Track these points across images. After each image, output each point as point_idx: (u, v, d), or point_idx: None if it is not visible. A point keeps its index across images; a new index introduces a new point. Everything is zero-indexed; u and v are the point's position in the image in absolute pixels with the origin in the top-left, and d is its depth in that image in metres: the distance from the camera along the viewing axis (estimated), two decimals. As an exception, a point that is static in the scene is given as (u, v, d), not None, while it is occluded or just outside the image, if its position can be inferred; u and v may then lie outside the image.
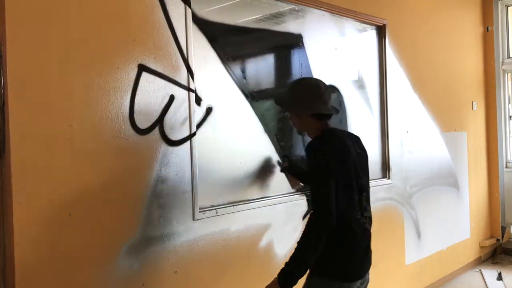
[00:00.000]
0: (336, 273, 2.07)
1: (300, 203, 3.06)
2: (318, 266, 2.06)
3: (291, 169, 2.89)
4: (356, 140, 2.31)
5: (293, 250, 2.02)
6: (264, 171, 2.84)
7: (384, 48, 3.86)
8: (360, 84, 3.72)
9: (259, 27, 2.96)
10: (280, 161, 2.92)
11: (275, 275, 2.06)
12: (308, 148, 2.16)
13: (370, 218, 2.25)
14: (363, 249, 2.14)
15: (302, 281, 2.08)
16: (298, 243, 2.02)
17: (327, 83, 2.34)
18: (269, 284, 2.06)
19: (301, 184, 2.90)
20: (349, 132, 2.42)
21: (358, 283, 2.13)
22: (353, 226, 2.08)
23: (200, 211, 2.46)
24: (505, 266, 5.19)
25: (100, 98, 2.07)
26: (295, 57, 3.16)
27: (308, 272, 2.07)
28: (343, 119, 3.53)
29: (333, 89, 3.44)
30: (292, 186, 2.91)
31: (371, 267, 2.23)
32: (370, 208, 2.28)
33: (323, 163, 2.05)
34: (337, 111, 2.36)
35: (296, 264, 2.01)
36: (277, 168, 2.92)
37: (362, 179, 2.22)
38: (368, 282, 2.24)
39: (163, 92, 2.31)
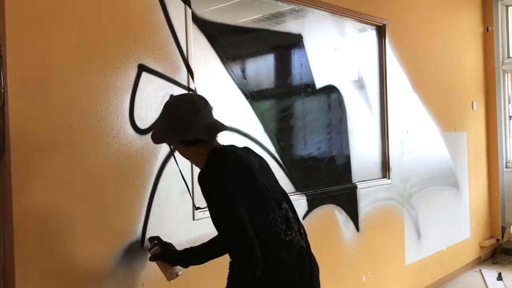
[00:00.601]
0: None
1: (300, 203, 3.06)
2: None
3: (164, 255, 2.10)
4: (248, 151, 1.96)
5: None
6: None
7: (384, 48, 3.86)
8: (360, 84, 3.72)
9: (259, 27, 2.96)
10: (149, 247, 2.15)
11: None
12: (199, 181, 1.74)
13: (301, 230, 1.87)
14: (304, 275, 1.78)
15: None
16: None
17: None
18: None
19: (180, 272, 2.12)
20: (238, 146, 1.96)
21: None
22: (282, 254, 1.72)
23: (200, 211, 2.46)
24: (505, 266, 5.19)
25: (100, 98, 2.07)
26: (295, 57, 3.16)
27: None
28: (343, 119, 3.53)
29: (333, 89, 3.44)
30: (168, 278, 2.10)
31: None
32: (298, 218, 1.91)
33: (221, 195, 1.68)
34: (218, 130, 1.88)
35: None
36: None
37: (276, 192, 1.86)
38: None
39: (163, 92, 2.31)
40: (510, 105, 5.58)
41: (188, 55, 2.43)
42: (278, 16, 3.06)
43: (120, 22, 2.16)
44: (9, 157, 1.81)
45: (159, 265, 2.12)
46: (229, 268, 1.69)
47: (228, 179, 1.71)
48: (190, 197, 2.28)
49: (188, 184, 2.20)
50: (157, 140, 1.91)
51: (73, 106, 1.99)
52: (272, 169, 1.99)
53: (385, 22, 3.85)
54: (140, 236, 2.21)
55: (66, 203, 1.96)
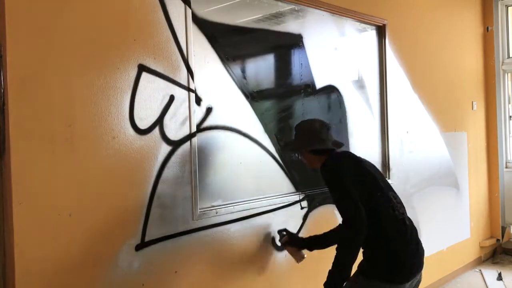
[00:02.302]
0: (378, 274, 2.19)
1: (300, 203, 3.07)
2: (362, 267, 2.25)
3: (293, 243, 2.72)
4: (358, 157, 2.48)
5: (333, 261, 2.20)
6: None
7: (384, 48, 3.86)
8: (360, 84, 3.72)
9: (259, 27, 2.96)
10: (279, 236, 2.79)
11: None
12: (321, 173, 2.35)
13: (404, 214, 2.31)
14: (408, 250, 2.22)
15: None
16: (337, 255, 2.17)
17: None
18: None
19: (305, 256, 2.71)
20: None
21: (406, 285, 2.22)
22: (389, 223, 2.21)
23: (200, 211, 2.46)
24: (505, 266, 5.19)
25: (100, 98, 2.07)
26: (295, 57, 3.16)
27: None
28: (343, 119, 3.53)
29: (333, 89, 3.44)
30: (297, 261, 2.69)
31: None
32: (402, 203, 2.36)
33: (336, 178, 2.24)
34: (337, 145, 2.50)
35: (339, 275, 2.16)
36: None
37: (383, 182, 2.37)
38: (420, 281, 2.35)
39: (163, 92, 2.31)
40: (510, 105, 5.58)
41: (188, 55, 2.43)
42: (278, 16, 3.05)
43: (120, 22, 2.16)
44: (9, 157, 1.81)
45: (288, 251, 2.72)
46: (339, 228, 2.28)
47: (342, 167, 2.27)
48: (190, 197, 2.28)
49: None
50: (294, 149, 2.84)
51: (73, 106, 1.99)
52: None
53: (385, 22, 3.85)
54: (140, 236, 2.21)
55: (66, 203, 1.96)
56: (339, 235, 2.26)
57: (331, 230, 2.53)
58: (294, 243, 2.70)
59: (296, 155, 2.64)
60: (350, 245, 2.14)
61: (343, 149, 2.55)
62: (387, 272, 2.18)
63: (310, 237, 2.67)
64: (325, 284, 2.21)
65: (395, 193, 2.39)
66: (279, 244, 2.81)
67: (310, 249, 2.64)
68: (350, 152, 2.56)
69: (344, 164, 2.33)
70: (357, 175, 2.27)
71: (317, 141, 2.45)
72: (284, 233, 2.76)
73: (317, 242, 2.61)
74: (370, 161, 2.52)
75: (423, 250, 2.33)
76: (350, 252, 2.15)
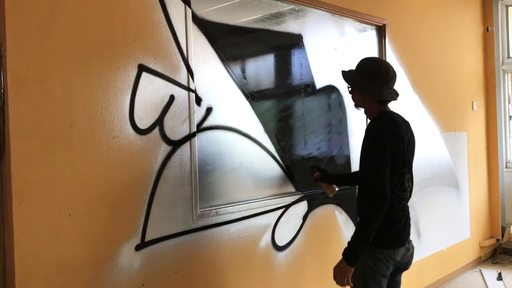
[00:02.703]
0: (383, 242, 2.27)
1: (300, 203, 3.07)
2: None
3: (323, 178, 2.90)
4: (407, 125, 2.43)
5: (357, 227, 2.24)
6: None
7: (384, 48, 3.86)
8: (360, 84, 3.71)
9: (259, 27, 2.96)
10: (311, 173, 2.96)
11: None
12: (368, 129, 2.33)
13: (410, 193, 2.40)
14: (402, 221, 2.35)
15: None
16: (362, 219, 2.22)
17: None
18: (337, 264, 2.23)
19: (337, 189, 2.89)
20: (403, 118, 2.48)
21: (402, 249, 2.33)
22: (394, 202, 2.26)
23: (200, 211, 2.46)
24: (505, 266, 5.19)
25: (100, 98, 2.07)
26: (295, 57, 3.16)
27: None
28: (343, 119, 3.53)
29: (333, 89, 3.44)
30: (329, 193, 2.90)
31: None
32: (412, 186, 2.43)
33: (376, 149, 2.21)
34: (396, 97, 2.45)
35: (362, 239, 2.19)
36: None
37: (409, 164, 2.40)
38: (413, 248, 2.43)
39: (163, 92, 2.31)
40: (510, 105, 5.59)
41: (188, 55, 2.43)
42: (278, 16, 3.05)
43: (120, 22, 2.16)
44: (9, 157, 1.81)
45: (321, 185, 2.91)
46: (361, 195, 2.30)
47: (384, 141, 2.21)
48: (190, 197, 2.28)
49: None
50: (351, 83, 2.45)
51: (73, 106, 1.99)
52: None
53: (385, 22, 3.85)
54: (140, 236, 2.21)
55: (66, 203, 1.96)
56: (368, 200, 2.23)
57: (354, 173, 2.86)
58: (325, 179, 2.89)
59: (349, 88, 2.48)
60: (370, 220, 2.18)
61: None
62: (386, 239, 2.29)
63: (339, 175, 3.01)
64: (344, 253, 2.22)
65: (412, 176, 2.44)
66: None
67: (339, 185, 2.90)
68: (399, 122, 2.38)
69: (391, 139, 2.25)
70: (397, 154, 2.25)
71: (388, 90, 2.37)
72: (316, 169, 2.94)
73: (346, 180, 2.94)
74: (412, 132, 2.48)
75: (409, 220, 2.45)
76: (370, 226, 2.18)
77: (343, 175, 3.08)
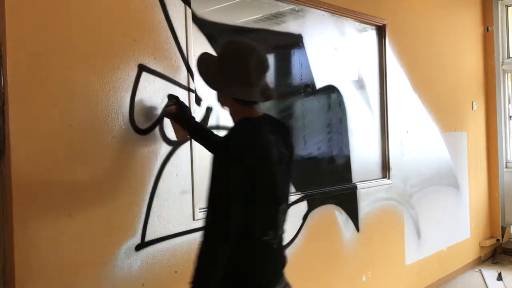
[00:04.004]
0: None
1: (300, 203, 3.06)
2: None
3: (178, 117, 2.23)
4: (283, 133, 1.81)
5: None
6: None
7: (384, 48, 3.86)
8: (360, 84, 3.72)
9: (259, 27, 2.96)
10: (167, 102, 2.29)
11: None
12: (228, 136, 1.69)
13: (283, 236, 1.81)
14: (276, 270, 1.82)
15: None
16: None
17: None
18: None
19: (188, 136, 2.30)
20: (277, 122, 1.89)
21: None
22: (257, 253, 1.68)
23: (200, 211, 2.46)
24: (505, 266, 5.19)
25: (100, 98, 2.07)
26: (295, 57, 3.16)
27: None
28: (343, 119, 3.53)
29: (333, 89, 3.44)
30: (178, 138, 2.28)
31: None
32: (285, 222, 1.81)
33: (226, 168, 1.55)
34: (266, 98, 1.73)
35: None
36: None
37: (282, 188, 1.74)
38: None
39: (163, 92, 2.31)
40: (510, 105, 5.58)
41: (188, 55, 2.43)
42: (278, 16, 3.06)
43: (120, 22, 2.16)
44: (9, 157, 1.81)
45: (171, 124, 2.27)
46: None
47: (241, 160, 1.56)
48: (190, 197, 2.28)
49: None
50: (215, 87, 1.71)
51: (73, 106, 1.99)
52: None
53: (385, 22, 3.85)
54: (140, 236, 2.21)
55: (66, 203, 1.96)
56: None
57: (215, 138, 2.18)
58: (179, 119, 2.22)
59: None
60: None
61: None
62: None
63: (198, 124, 2.29)
64: None
65: (287, 204, 1.82)
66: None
67: (192, 136, 2.26)
68: (266, 130, 1.71)
69: (250, 155, 1.59)
70: (256, 175, 1.59)
71: (249, 87, 1.65)
72: (174, 100, 2.26)
73: (202, 134, 2.23)
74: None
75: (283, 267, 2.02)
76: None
77: (204, 131, 2.28)
